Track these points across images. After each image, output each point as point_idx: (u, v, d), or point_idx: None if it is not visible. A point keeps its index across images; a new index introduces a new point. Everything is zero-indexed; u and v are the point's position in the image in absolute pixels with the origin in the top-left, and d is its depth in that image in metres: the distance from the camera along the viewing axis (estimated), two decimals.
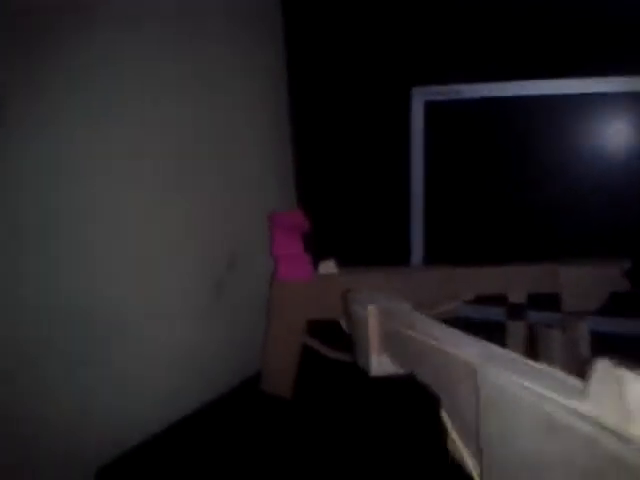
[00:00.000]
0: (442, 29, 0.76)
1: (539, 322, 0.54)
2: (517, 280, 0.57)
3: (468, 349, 0.25)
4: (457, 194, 0.73)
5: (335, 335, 0.69)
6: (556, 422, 0.18)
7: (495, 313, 0.58)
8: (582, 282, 0.55)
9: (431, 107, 0.72)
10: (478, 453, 0.24)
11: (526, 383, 0.20)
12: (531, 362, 0.22)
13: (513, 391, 0.20)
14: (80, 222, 0.55)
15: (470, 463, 0.25)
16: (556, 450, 0.18)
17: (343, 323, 0.69)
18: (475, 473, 0.25)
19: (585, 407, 0.18)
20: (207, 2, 0.70)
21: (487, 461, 0.23)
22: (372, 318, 0.40)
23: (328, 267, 0.66)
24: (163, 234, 0.65)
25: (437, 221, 0.73)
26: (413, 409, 0.65)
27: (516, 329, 0.55)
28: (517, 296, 0.57)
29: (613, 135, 0.65)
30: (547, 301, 0.56)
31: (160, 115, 0.64)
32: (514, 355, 0.22)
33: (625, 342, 0.65)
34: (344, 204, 0.89)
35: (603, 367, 0.18)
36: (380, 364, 0.41)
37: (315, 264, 0.67)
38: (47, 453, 0.53)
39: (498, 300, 0.56)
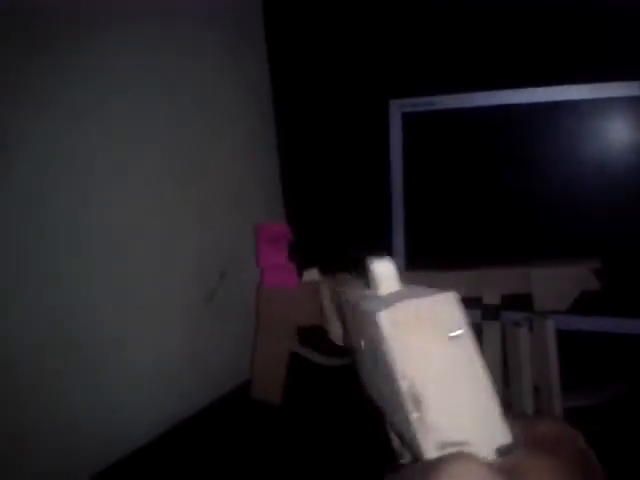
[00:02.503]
0: (418, 43, 0.79)
1: (508, 321, 0.57)
2: (491, 283, 0.60)
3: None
4: (435, 202, 0.75)
5: (322, 341, 0.71)
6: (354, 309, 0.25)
7: (470, 315, 0.60)
8: (552, 283, 0.57)
9: (408, 118, 0.74)
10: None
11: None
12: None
13: (348, 299, 0.28)
14: (67, 238, 0.57)
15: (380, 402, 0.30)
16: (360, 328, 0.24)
17: (329, 329, 0.71)
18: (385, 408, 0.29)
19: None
20: (192, 16, 0.72)
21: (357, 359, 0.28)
22: (324, 290, 0.44)
23: (312, 275, 0.68)
24: (154, 246, 0.67)
25: (417, 228, 0.76)
26: None
27: (491, 329, 0.58)
28: (491, 298, 0.59)
29: (585, 141, 0.67)
30: (520, 302, 0.58)
31: (148, 130, 0.66)
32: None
33: (592, 340, 0.67)
34: (327, 214, 0.91)
35: (367, 260, 0.25)
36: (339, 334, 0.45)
37: (300, 273, 0.69)
38: (36, 466, 0.54)
39: (473, 302, 0.58)
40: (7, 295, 0.51)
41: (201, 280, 0.75)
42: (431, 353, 0.20)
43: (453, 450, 0.18)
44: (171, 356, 0.70)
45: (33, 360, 0.54)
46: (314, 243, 0.57)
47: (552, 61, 0.70)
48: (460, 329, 0.20)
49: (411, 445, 0.20)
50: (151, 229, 0.66)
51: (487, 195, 0.72)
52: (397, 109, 0.75)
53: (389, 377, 0.20)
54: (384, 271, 0.25)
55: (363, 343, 0.25)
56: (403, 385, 0.19)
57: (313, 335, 0.73)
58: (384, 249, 0.77)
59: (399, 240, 0.76)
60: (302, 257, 0.73)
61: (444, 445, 0.19)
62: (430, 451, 0.19)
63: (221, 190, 0.79)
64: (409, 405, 0.19)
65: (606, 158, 0.66)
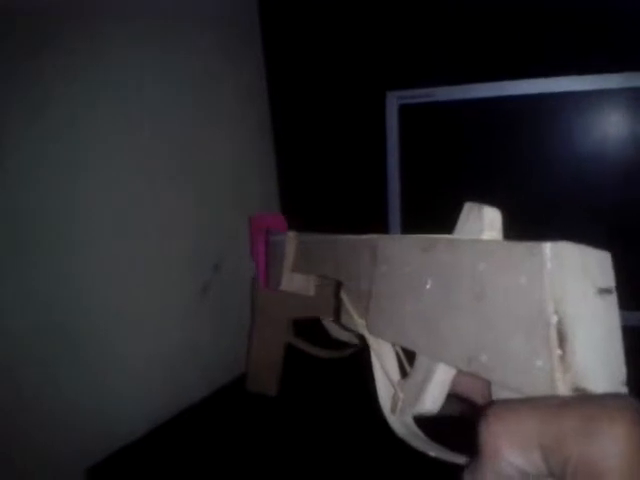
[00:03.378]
0: (415, 33, 0.79)
1: None
2: None
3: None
4: (432, 195, 0.75)
5: (318, 333, 0.71)
6: (428, 245, 0.26)
7: None
8: None
9: (405, 110, 0.74)
10: (367, 309, 0.31)
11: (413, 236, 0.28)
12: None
13: (403, 242, 0.28)
14: (60, 229, 0.56)
15: (359, 322, 0.32)
16: (430, 265, 0.25)
17: (325, 322, 0.71)
18: (361, 328, 0.32)
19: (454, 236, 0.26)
20: (187, 12, 0.71)
21: (375, 303, 0.30)
22: (290, 240, 0.47)
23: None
24: (149, 238, 0.66)
25: (413, 222, 0.75)
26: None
27: None
28: None
29: (587, 133, 0.66)
30: None
31: (143, 123, 0.65)
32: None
33: None
34: (323, 205, 0.91)
35: (468, 205, 0.26)
36: (290, 280, 0.49)
37: None
38: (31, 457, 0.54)
39: None
40: None
41: (196, 272, 0.75)
42: (581, 298, 0.20)
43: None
44: (166, 348, 0.70)
45: (26, 352, 0.53)
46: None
47: (553, 52, 0.70)
48: (611, 286, 0.21)
49: (522, 382, 0.20)
50: (145, 221, 0.66)
51: (486, 188, 0.71)
52: (394, 101, 0.74)
53: (520, 311, 0.20)
54: (494, 219, 0.25)
55: (430, 282, 0.25)
56: (553, 320, 0.19)
57: (309, 327, 0.73)
58: None
59: (396, 231, 0.76)
60: None
61: (577, 389, 0.19)
62: (564, 391, 0.19)
63: (216, 181, 0.78)
64: (553, 341, 0.19)
65: (608, 150, 0.66)
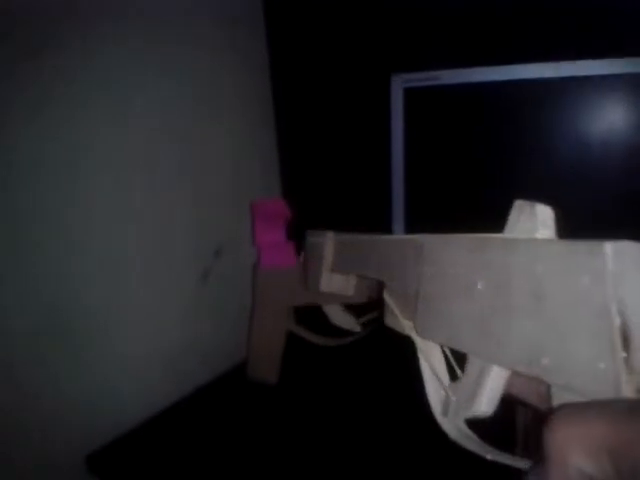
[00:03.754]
0: (420, 16, 0.77)
1: None
2: None
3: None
4: (437, 179, 0.73)
5: (319, 321, 0.71)
6: (479, 245, 0.25)
7: None
8: None
9: (410, 93, 0.72)
10: (413, 311, 0.30)
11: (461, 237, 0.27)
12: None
13: (450, 242, 0.27)
14: (60, 219, 0.55)
15: (406, 324, 0.31)
16: (481, 265, 0.25)
17: (326, 309, 0.70)
18: (409, 330, 0.31)
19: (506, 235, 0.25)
20: (188, 3, 0.70)
21: (423, 305, 0.29)
22: (328, 240, 0.46)
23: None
24: (149, 225, 0.66)
25: (418, 206, 0.74)
26: (397, 393, 0.66)
27: None
28: None
29: (593, 118, 0.65)
30: None
31: (144, 110, 0.64)
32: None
33: None
34: (327, 190, 0.89)
35: (518, 203, 0.25)
36: (329, 281, 0.47)
37: (298, 251, 0.68)
38: (31, 445, 0.53)
39: None
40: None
41: (197, 259, 0.74)
42: None
43: None
44: (167, 336, 0.69)
45: (26, 344, 0.52)
46: (312, 220, 0.56)
47: (561, 36, 0.68)
48: None
49: (585, 385, 0.19)
50: (145, 208, 0.65)
51: (492, 173, 0.70)
52: (399, 84, 0.72)
53: (582, 313, 0.20)
54: (547, 217, 0.24)
55: (481, 283, 0.24)
56: (616, 321, 0.19)
57: (310, 315, 0.72)
58: (383, 226, 0.76)
59: (399, 218, 0.75)
60: (300, 235, 0.71)
61: None
62: (629, 393, 0.18)
63: (217, 168, 0.77)
64: (617, 343, 0.18)
65: (614, 136, 0.65)
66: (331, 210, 0.87)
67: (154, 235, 0.66)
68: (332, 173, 0.89)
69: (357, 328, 0.71)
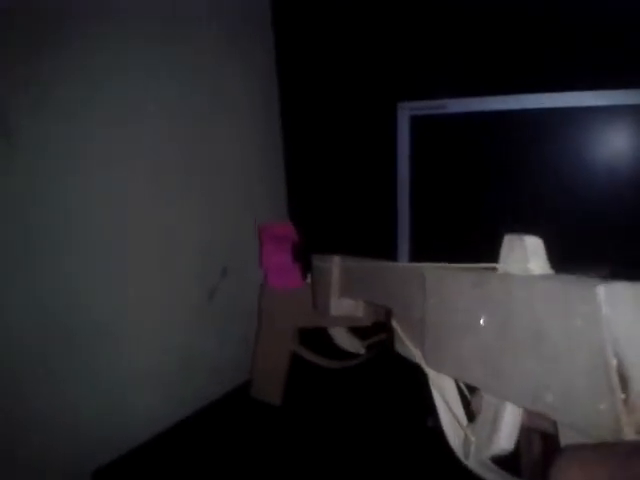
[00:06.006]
0: (427, 45, 0.79)
1: None
2: None
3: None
4: (442, 207, 0.75)
5: (324, 343, 0.71)
6: (480, 281, 0.26)
7: None
8: None
9: (416, 121, 0.74)
10: (421, 340, 0.30)
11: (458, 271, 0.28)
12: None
13: (451, 275, 0.28)
14: (66, 231, 0.56)
15: (416, 352, 0.31)
16: (482, 301, 0.25)
17: (331, 332, 0.71)
18: (419, 359, 0.31)
19: (499, 269, 0.26)
20: (197, 13, 0.72)
21: (430, 336, 0.29)
22: (335, 266, 0.47)
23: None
24: (155, 242, 0.67)
25: (423, 233, 0.75)
26: (401, 415, 0.66)
27: None
28: None
29: (596, 148, 0.66)
30: None
31: (151, 123, 0.65)
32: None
33: None
34: (333, 214, 0.91)
35: (508, 237, 0.26)
36: (338, 305, 0.47)
37: (304, 273, 0.69)
38: (33, 459, 0.54)
39: None
40: (4, 289, 0.51)
41: (203, 277, 0.75)
42: (639, 335, 0.19)
43: None
44: (171, 353, 0.70)
45: (31, 356, 0.53)
46: (319, 244, 0.57)
47: (567, 66, 0.70)
48: None
49: (588, 424, 0.19)
50: (152, 224, 0.66)
51: (496, 201, 0.71)
52: (405, 112, 0.74)
53: (580, 353, 0.20)
54: (537, 247, 0.25)
55: (484, 318, 0.25)
56: (612, 363, 0.19)
57: (314, 337, 0.73)
58: (389, 250, 0.77)
59: (404, 243, 0.76)
60: (307, 258, 0.72)
61: None
62: (630, 434, 0.18)
63: (225, 186, 0.78)
64: (615, 385, 0.19)
65: (616, 165, 0.66)
66: (337, 234, 0.88)
67: (160, 252, 0.67)
68: (339, 197, 0.90)
69: (362, 350, 0.71)
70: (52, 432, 0.55)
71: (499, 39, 0.74)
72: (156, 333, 0.67)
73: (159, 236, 0.67)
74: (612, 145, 0.66)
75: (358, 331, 0.71)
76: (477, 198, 0.72)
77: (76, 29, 0.55)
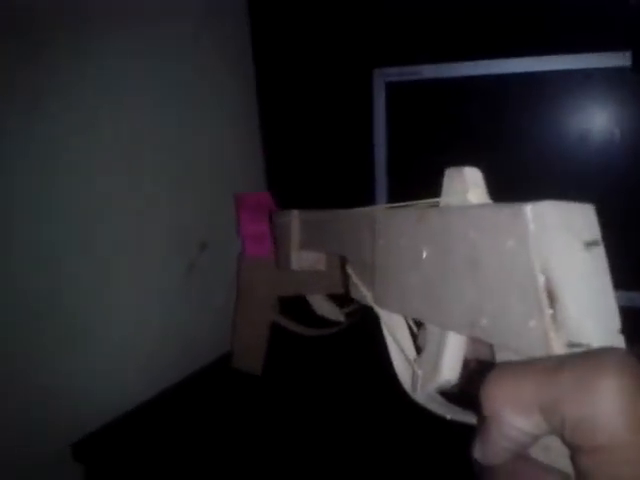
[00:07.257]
0: (402, 11, 0.78)
1: None
2: None
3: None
4: (419, 174, 0.74)
5: (303, 311, 0.71)
6: (422, 216, 0.26)
7: None
8: None
9: (392, 87, 0.73)
10: (372, 282, 0.31)
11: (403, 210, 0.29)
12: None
13: (398, 214, 0.29)
14: (45, 208, 0.55)
15: (367, 295, 0.32)
16: (425, 235, 0.26)
17: (310, 300, 0.71)
18: (370, 301, 0.32)
19: (440, 202, 0.27)
20: None
21: (379, 276, 0.30)
22: (294, 219, 0.47)
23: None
24: (135, 217, 0.65)
25: (399, 195, 0.75)
26: (381, 382, 0.67)
27: None
28: None
29: (571, 112, 0.67)
30: None
31: (125, 100, 0.64)
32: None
33: None
34: (312, 182, 0.90)
35: (448, 170, 0.27)
36: (299, 258, 0.48)
37: None
38: (15, 436, 0.53)
39: None
40: None
41: (181, 251, 0.74)
42: (568, 255, 0.20)
43: (578, 351, 0.19)
44: (152, 327, 0.69)
45: (9, 330, 0.52)
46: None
47: (537, 31, 0.70)
48: (596, 238, 0.21)
49: (519, 343, 0.20)
50: (129, 198, 0.65)
51: (470, 164, 0.72)
52: (381, 78, 0.74)
53: (511, 274, 0.20)
54: (476, 178, 0.25)
55: (426, 252, 0.25)
56: (540, 280, 0.19)
57: (294, 305, 0.73)
58: None
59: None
60: None
61: (571, 345, 0.19)
62: (559, 349, 0.19)
63: (201, 158, 0.77)
64: (543, 301, 0.19)
65: (591, 129, 0.67)
66: (316, 201, 0.88)
67: (137, 229, 0.66)
68: (316, 166, 0.89)
69: (341, 318, 0.71)
70: (28, 406, 0.54)
71: (473, 5, 0.73)
72: (135, 307, 0.67)
73: (137, 210, 0.66)
74: (586, 109, 0.66)
75: (337, 299, 0.71)
76: (452, 162, 0.73)
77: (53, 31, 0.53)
